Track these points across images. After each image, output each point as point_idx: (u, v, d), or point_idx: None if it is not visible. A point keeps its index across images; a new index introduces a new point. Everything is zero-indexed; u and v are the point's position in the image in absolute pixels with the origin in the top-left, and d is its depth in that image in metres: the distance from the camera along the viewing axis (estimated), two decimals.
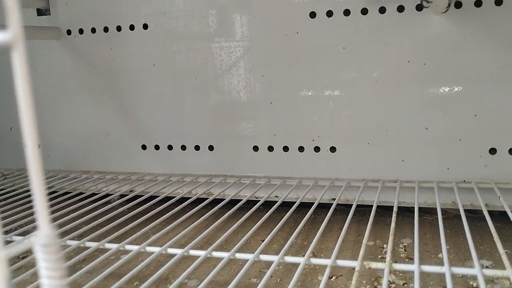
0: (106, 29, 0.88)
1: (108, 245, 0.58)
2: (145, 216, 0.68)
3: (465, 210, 0.63)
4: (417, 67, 0.73)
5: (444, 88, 0.72)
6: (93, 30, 0.89)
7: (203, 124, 0.86)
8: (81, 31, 0.90)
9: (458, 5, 0.69)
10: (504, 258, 0.48)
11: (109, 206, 0.74)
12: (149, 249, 0.56)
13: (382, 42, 0.73)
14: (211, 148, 0.87)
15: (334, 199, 0.73)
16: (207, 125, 0.86)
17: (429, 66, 0.72)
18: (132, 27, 0.87)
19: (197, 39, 0.84)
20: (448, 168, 0.74)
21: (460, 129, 0.73)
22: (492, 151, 0.72)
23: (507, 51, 0.69)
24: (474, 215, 0.74)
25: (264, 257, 0.52)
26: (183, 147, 0.88)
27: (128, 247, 0.57)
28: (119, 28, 0.88)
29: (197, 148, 0.87)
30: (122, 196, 0.81)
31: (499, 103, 0.70)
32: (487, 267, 0.59)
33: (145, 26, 0.86)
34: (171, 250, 0.55)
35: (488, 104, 0.71)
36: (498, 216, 0.68)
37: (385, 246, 0.66)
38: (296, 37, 0.78)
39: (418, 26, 0.72)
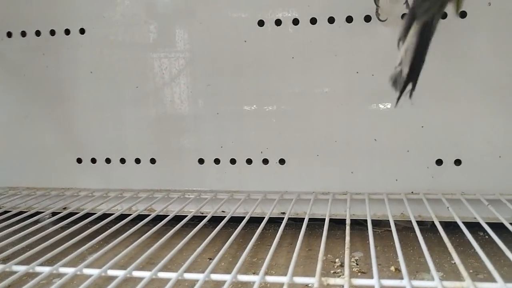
0: (38, 33, 0.82)
1: (39, 269, 0.52)
2: (81, 235, 0.62)
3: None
4: (365, 78, 0.72)
5: (392, 99, 0.72)
6: (23, 34, 0.82)
7: (144, 135, 0.81)
8: (9, 35, 0.83)
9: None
10: (461, 268, 0.47)
11: (40, 225, 0.68)
12: (87, 271, 0.51)
13: (331, 52, 0.73)
14: (153, 161, 0.82)
15: (284, 213, 0.71)
16: (149, 137, 0.81)
17: (377, 78, 0.72)
18: (67, 32, 0.81)
19: (139, 46, 0.79)
20: (396, 180, 0.74)
21: (408, 141, 0.73)
22: (439, 162, 0.73)
23: (453, 64, 0.70)
24: (421, 226, 0.74)
25: (216, 277, 0.48)
26: (122, 160, 0.83)
27: (62, 270, 0.51)
28: (52, 32, 0.81)
29: (137, 161, 0.82)
30: (54, 214, 0.74)
31: (445, 115, 0.71)
32: (439, 278, 0.58)
33: (82, 31, 0.80)
34: (111, 272, 0.50)
35: (435, 116, 0.72)
36: (444, 227, 0.69)
37: (337, 260, 0.65)
38: (243, 45, 0.75)
39: (366, 37, 0.72)
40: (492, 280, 0.44)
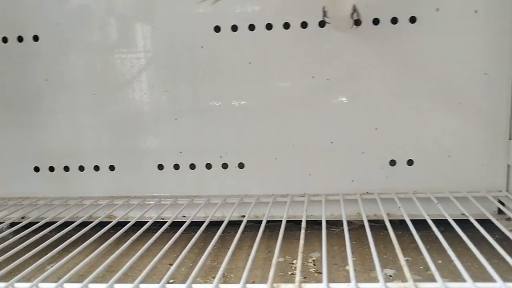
0: None
1: None
2: (41, 246, 0.61)
3: (369, 221, 0.65)
4: (321, 82, 0.74)
5: (346, 103, 0.75)
6: None
7: (103, 142, 0.81)
8: None
9: (358, 22, 0.71)
10: (406, 270, 0.49)
11: None
12: (43, 285, 0.51)
13: (287, 57, 0.74)
14: (112, 168, 0.82)
15: (243, 216, 0.72)
16: (108, 144, 0.81)
17: (332, 82, 0.74)
18: (20, 39, 0.79)
19: (95, 52, 0.79)
20: (352, 180, 0.76)
21: (363, 142, 0.75)
22: (392, 162, 0.75)
23: (404, 68, 0.72)
24: (377, 224, 0.77)
25: (171, 287, 0.49)
26: (81, 168, 0.82)
27: (17, 285, 0.51)
28: (5, 40, 0.80)
29: (96, 168, 0.82)
30: (13, 224, 0.73)
31: (397, 117, 0.74)
32: (390, 276, 0.61)
33: (36, 38, 0.79)
34: (68, 286, 0.50)
35: (388, 118, 0.74)
36: (399, 224, 0.71)
37: (295, 261, 0.66)
38: (200, 51, 0.76)
39: (321, 42, 0.73)
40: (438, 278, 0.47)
